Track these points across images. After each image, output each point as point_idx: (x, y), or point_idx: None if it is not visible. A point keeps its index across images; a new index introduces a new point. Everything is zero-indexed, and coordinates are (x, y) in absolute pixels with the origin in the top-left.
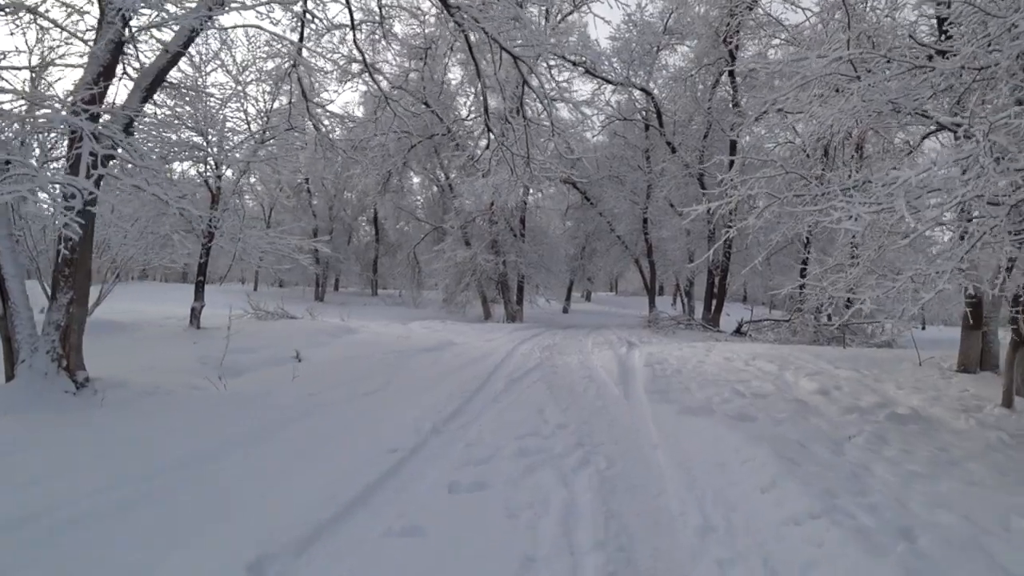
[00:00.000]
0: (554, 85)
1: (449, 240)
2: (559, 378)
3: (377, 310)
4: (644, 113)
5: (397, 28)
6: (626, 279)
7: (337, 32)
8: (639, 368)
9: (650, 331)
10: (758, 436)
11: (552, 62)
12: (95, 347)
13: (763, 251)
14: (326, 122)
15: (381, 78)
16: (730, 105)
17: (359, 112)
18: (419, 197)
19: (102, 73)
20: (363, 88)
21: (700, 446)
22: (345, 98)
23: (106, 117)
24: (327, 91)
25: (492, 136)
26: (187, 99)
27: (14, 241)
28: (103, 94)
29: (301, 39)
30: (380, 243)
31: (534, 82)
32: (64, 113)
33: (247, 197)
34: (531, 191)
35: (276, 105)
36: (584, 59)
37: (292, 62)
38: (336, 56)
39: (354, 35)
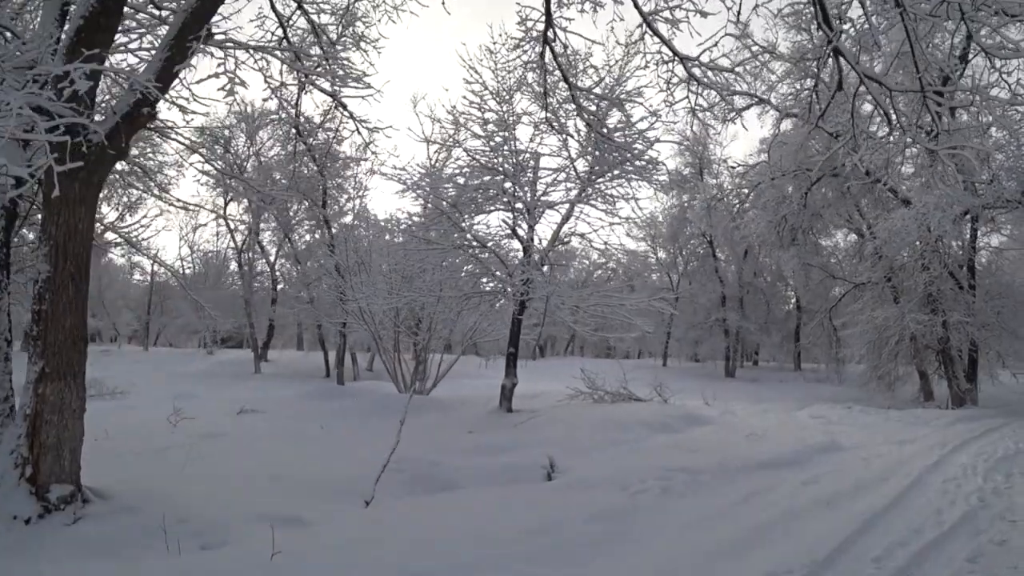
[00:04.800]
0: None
1: (867, 297)
2: None
3: (790, 388)
4: None
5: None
6: None
7: None
8: None
9: None
10: None
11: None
12: (347, 427)
13: None
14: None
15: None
16: None
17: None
18: (840, 254)
19: (84, 25)
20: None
21: None
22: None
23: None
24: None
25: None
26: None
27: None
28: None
29: None
30: (801, 310)
31: None
32: None
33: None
34: (981, 226)
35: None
36: None
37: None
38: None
39: None
